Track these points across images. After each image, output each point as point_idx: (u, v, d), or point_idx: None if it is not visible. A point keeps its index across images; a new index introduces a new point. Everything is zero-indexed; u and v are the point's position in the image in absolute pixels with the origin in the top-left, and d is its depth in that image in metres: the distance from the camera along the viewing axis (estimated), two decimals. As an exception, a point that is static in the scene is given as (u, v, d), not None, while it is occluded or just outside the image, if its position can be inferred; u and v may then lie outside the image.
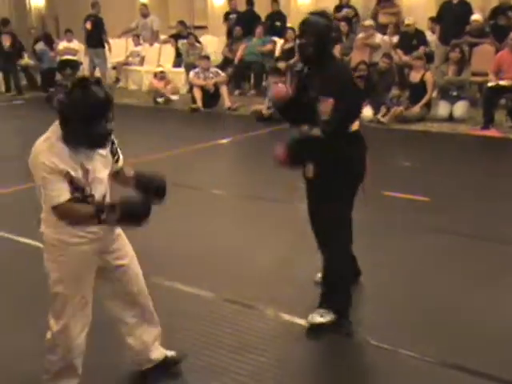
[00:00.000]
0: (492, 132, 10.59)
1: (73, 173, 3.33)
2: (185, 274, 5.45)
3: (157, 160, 9.17)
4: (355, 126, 4.54)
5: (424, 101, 11.56)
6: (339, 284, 4.64)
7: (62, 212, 3.33)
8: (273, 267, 5.64)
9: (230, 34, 16.46)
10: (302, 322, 4.64)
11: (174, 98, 14.74)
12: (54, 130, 3.37)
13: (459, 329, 4.52)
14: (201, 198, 7.82)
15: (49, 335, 3.63)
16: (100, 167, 3.51)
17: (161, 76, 14.99)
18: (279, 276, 5.46)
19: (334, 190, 4.54)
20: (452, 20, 12.81)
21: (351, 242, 4.78)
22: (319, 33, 4.41)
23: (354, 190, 4.66)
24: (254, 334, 4.52)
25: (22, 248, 6.11)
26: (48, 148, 3.31)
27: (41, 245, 3.58)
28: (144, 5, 17.82)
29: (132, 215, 3.40)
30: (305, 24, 4.51)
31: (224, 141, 10.83)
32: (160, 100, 14.58)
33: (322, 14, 4.58)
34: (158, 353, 4.02)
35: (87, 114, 3.26)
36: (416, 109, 11.53)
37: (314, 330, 4.54)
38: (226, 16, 16.84)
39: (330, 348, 4.44)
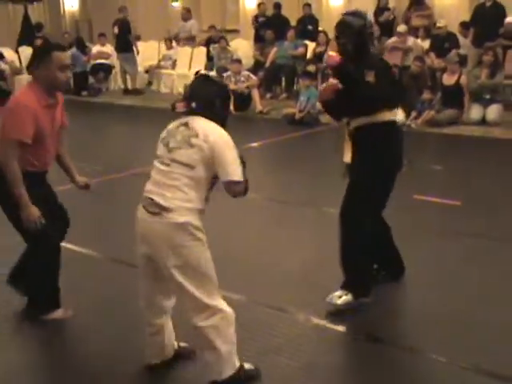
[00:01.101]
0: (526, 136, 10.50)
1: None
2: (217, 277, 5.46)
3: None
4: (392, 114, 4.80)
5: (466, 104, 11.45)
6: (352, 264, 4.86)
7: (245, 187, 3.89)
8: (304, 271, 5.64)
9: (257, 37, 16.48)
10: (332, 326, 4.65)
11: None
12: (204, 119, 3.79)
13: (492, 334, 4.49)
14: (232, 202, 7.79)
15: (222, 315, 3.80)
16: None
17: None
18: (310, 280, 5.47)
19: (364, 178, 4.81)
20: (485, 23, 12.69)
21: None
22: (355, 32, 4.70)
23: (386, 180, 4.85)
24: (284, 337, 4.54)
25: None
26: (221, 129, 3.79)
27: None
28: (186, 9, 17.89)
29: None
30: (340, 25, 4.80)
31: (255, 144, 10.86)
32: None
33: (355, 13, 4.87)
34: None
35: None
36: (452, 111, 11.41)
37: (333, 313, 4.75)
38: (255, 19, 16.85)
39: (360, 353, 4.43)
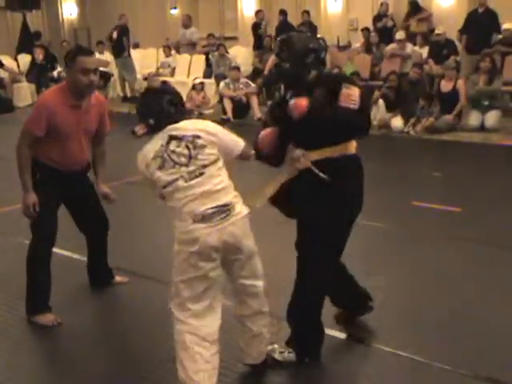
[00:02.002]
0: (525, 142, 10.51)
1: None
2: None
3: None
4: (353, 146, 4.14)
5: (458, 108, 11.46)
6: (301, 322, 4.25)
7: (249, 149, 4.29)
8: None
9: (256, 44, 16.50)
10: (329, 332, 4.63)
11: (207, 112, 14.79)
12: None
13: (491, 341, 4.47)
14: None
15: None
16: None
17: (200, 87, 14.93)
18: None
19: (324, 214, 4.02)
20: (478, 29, 12.75)
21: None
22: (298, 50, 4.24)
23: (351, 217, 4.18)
24: (282, 344, 4.50)
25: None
26: None
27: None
28: (187, 16, 17.93)
29: None
30: (281, 43, 4.36)
31: (253, 152, 10.81)
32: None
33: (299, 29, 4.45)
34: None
35: None
36: (449, 118, 11.43)
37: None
38: (254, 27, 16.85)
39: (359, 358, 4.41)
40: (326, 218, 4.00)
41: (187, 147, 3.72)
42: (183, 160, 3.70)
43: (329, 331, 4.56)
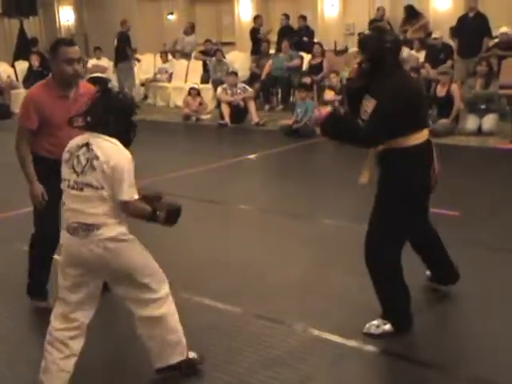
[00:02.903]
0: (522, 145, 10.52)
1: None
2: (213, 289, 5.46)
3: (184, 176, 9.22)
4: (412, 140, 4.54)
5: (454, 113, 11.48)
6: (387, 299, 4.68)
7: (134, 207, 3.81)
8: (300, 282, 5.62)
9: (255, 49, 16.52)
10: (330, 337, 4.62)
11: (205, 117, 14.79)
12: (103, 137, 3.81)
13: (488, 343, 4.47)
14: (228, 214, 7.84)
15: (168, 305, 4.03)
16: None
17: (195, 93, 14.97)
18: (307, 291, 5.45)
19: (385, 205, 4.61)
20: (469, 34, 12.80)
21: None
22: (374, 48, 4.51)
23: (410, 207, 4.62)
24: (282, 349, 4.51)
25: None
26: (122, 147, 3.81)
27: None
28: (191, 23, 17.93)
29: (175, 217, 3.97)
30: (360, 42, 4.73)
31: (252, 156, 10.86)
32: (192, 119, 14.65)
33: (375, 28, 4.99)
34: None
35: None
36: (446, 121, 11.44)
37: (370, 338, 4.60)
38: (253, 32, 16.86)
39: (363, 367, 4.40)
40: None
41: (87, 160, 3.77)
42: (78, 169, 3.80)
43: (329, 336, 4.57)
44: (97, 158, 3.73)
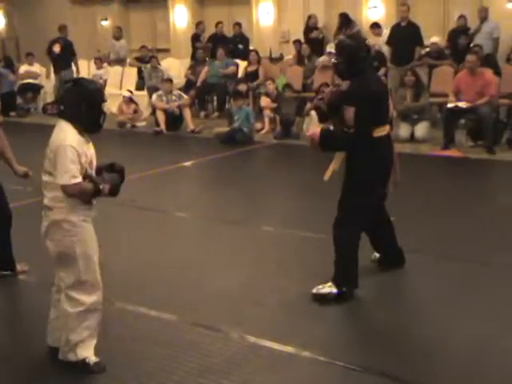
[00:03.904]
0: (453, 152, 10.74)
1: (84, 157, 4.12)
2: (148, 298, 5.40)
3: (120, 183, 9.11)
4: (377, 132, 5.20)
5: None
6: (341, 264, 5.31)
7: (73, 189, 4.04)
8: (237, 290, 5.62)
9: (194, 56, 16.47)
10: (267, 344, 4.62)
11: (140, 124, 14.66)
12: (63, 124, 4.12)
13: (422, 346, 4.54)
14: (164, 221, 7.78)
15: (81, 308, 4.19)
16: (93, 152, 4.30)
17: (128, 100, 14.85)
18: (243, 298, 5.44)
19: (348, 190, 5.33)
20: (401, 42, 13.06)
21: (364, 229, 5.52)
22: (348, 53, 5.24)
23: (370, 193, 5.33)
24: (218, 356, 4.49)
25: None
26: (70, 135, 4.07)
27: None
28: (119, 27, 17.75)
29: (117, 188, 4.31)
30: (336, 46, 5.49)
31: (187, 163, 10.81)
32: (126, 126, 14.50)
33: (352, 36, 5.59)
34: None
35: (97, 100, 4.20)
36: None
37: (318, 299, 5.23)
38: (194, 38, 16.79)
39: (298, 372, 4.41)
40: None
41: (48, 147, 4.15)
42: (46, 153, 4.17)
43: (264, 343, 4.57)
44: (48, 144, 4.10)
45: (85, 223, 4.19)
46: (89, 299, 4.21)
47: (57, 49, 16.25)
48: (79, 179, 4.07)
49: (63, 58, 16.26)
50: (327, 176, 5.39)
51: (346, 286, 5.27)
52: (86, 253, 4.18)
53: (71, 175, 4.02)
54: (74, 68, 16.57)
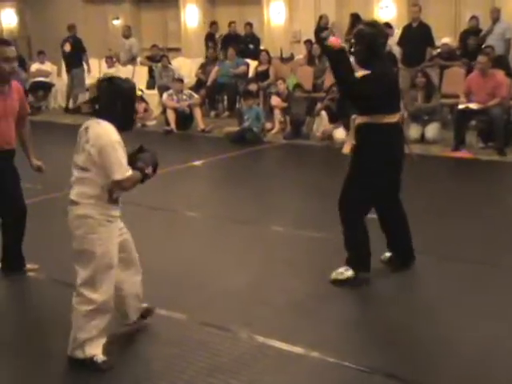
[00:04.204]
0: (463, 153, 10.71)
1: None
2: (158, 297, 5.40)
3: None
4: (386, 119, 5.40)
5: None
6: (353, 249, 5.57)
7: (128, 181, 4.19)
8: (247, 289, 5.62)
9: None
10: (276, 344, 4.63)
11: (151, 123, 14.70)
12: (102, 122, 4.19)
13: (431, 347, 4.54)
14: (174, 220, 7.80)
15: (91, 307, 4.21)
16: None
17: (140, 99, 14.87)
18: (253, 298, 5.45)
19: (356, 172, 5.51)
20: (412, 43, 13.04)
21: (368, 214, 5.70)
22: (367, 40, 5.41)
23: (376, 177, 5.47)
24: (227, 356, 4.49)
25: None
26: (114, 132, 4.15)
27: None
28: (128, 26, 17.83)
29: (157, 165, 4.45)
30: (355, 34, 5.58)
31: (197, 163, 10.83)
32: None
33: (369, 23, 5.65)
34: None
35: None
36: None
37: (337, 284, 5.48)
38: (208, 37, 16.82)
39: (306, 372, 4.41)
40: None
41: (82, 141, 4.22)
42: (76, 149, 4.27)
43: (273, 343, 4.58)
44: (87, 141, 4.15)
45: (109, 223, 4.25)
46: (100, 298, 4.23)
47: (67, 48, 16.37)
48: (131, 171, 4.21)
49: (73, 57, 16.38)
50: (347, 149, 5.58)
51: (360, 266, 5.57)
52: (104, 253, 4.22)
53: (125, 169, 4.16)
54: (85, 66, 16.67)
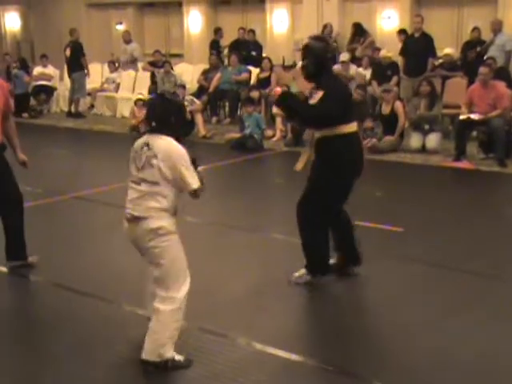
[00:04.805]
0: (464, 164, 10.71)
1: None
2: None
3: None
4: (347, 128, 5.50)
5: (398, 131, 11.65)
6: (312, 256, 5.68)
7: (201, 190, 4.43)
8: (246, 296, 5.63)
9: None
10: (273, 351, 4.63)
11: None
12: (164, 137, 4.36)
13: (427, 359, 4.54)
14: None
15: (173, 306, 4.37)
16: None
17: (141, 103, 14.91)
18: (252, 305, 5.45)
19: (318, 180, 5.57)
20: (415, 53, 13.09)
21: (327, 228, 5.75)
22: (317, 54, 5.46)
23: (337, 185, 5.56)
24: (225, 363, 4.50)
25: None
26: (177, 144, 4.36)
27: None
28: (127, 31, 17.87)
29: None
30: (304, 48, 5.61)
31: (198, 169, 10.79)
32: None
33: (317, 38, 5.69)
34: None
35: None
36: (391, 138, 11.61)
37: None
38: (213, 44, 16.86)
39: (302, 379, 4.41)
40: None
41: (146, 157, 4.30)
42: (139, 165, 4.34)
43: (271, 350, 4.58)
44: (155, 156, 4.28)
45: (175, 233, 4.48)
46: (178, 295, 4.40)
47: (67, 53, 16.40)
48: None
49: (74, 61, 16.39)
50: (299, 167, 5.66)
51: (319, 270, 5.67)
52: (178, 258, 4.47)
53: (197, 178, 4.40)
54: (85, 70, 16.67)
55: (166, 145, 4.33)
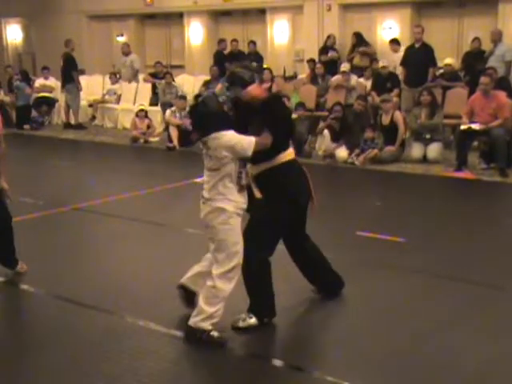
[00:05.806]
0: (465, 174, 10.71)
1: None
2: (159, 314, 5.41)
3: (132, 198, 9.14)
4: (285, 157, 5.24)
5: (399, 141, 11.66)
6: (252, 290, 5.22)
7: (257, 145, 4.91)
8: (245, 307, 5.60)
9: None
10: (274, 361, 4.61)
11: (154, 140, 14.72)
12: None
13: (427, 370, 4.52)
14: (175, 237, 7.79)
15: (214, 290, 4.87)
16: None
17: (143, 114, 14.94)
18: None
19: (271, 209, 5.18)
20: (415, 64, 13.13)
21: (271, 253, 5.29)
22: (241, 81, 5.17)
23: (280, 218, 5.24)
24: (226, 374, 4.48)
25: None
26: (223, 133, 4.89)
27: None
28: (126, 43, 17.95)
29: None
30: (229, 76, 5.37)
31: (199, 180, 10.77)
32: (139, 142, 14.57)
33: (244, 66, 5.43)
34: None
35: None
36: (391, 149, 11.62)
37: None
38: (217, 56, 16.91)
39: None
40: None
41: (205, 150, 5.01)
42: (205, 159, 5.09)
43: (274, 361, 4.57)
44: (208, 148, 4.95)
45: (236, 215, 4.94)
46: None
47: (61, 64, 16.46)
48: (253, 138, 4.93)
49: (66, 73, 16.43)
50: (259, 194, 5.20)
51: (263, 314, 5.21)
52: (235, 241, 4.91)
53: (249, 139, 4.91)
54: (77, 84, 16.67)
55: (214, 138, 4.90)
